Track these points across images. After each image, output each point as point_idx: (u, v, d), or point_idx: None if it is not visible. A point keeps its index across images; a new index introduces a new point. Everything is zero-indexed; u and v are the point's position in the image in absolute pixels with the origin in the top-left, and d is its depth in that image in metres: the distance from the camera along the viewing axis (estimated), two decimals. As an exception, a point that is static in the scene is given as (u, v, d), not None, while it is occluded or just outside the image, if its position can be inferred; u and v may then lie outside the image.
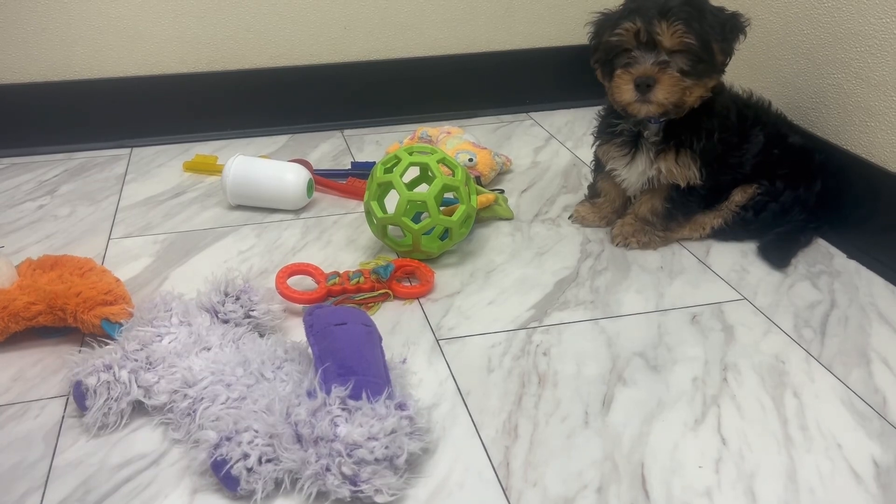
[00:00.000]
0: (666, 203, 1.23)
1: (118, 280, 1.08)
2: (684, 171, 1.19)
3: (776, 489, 0.80)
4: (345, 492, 0.75)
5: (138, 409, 0.89)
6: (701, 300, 1.12)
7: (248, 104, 1.74)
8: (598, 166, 1.32)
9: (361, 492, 0.75)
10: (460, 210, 1.18)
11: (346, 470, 0.75)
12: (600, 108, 1.29)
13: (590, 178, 1.39)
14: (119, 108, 1.68)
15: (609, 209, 1.34)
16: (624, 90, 1.12)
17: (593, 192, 1.37)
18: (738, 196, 1.25)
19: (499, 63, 1.84)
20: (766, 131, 1.24)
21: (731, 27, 1.12)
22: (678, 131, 1.18)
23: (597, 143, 1.29)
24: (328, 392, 0.80)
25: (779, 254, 1.22)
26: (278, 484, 0.78)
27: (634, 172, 1.22)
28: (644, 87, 1.10)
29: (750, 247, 1.26)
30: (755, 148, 1.23)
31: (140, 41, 1.66)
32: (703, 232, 1.27)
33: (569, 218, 1.36)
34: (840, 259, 1.23)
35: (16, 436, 0.88)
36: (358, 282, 1.11)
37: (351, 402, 0.79)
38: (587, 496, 0.79)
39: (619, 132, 1.23)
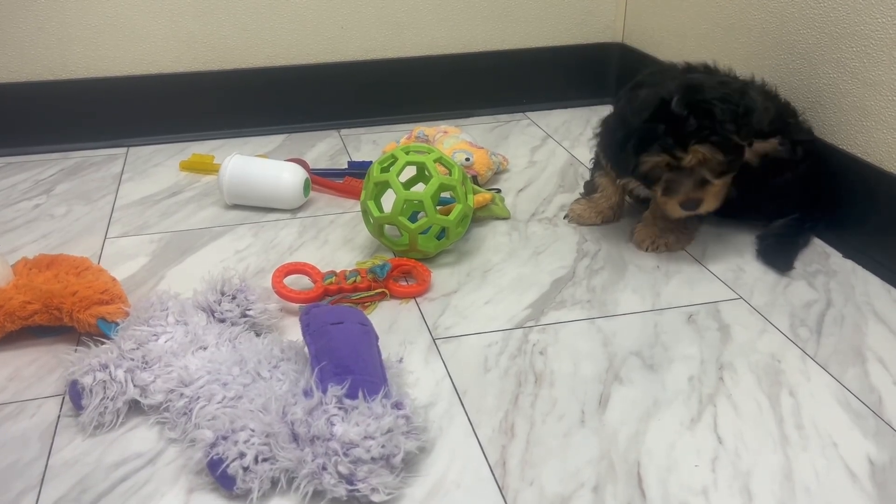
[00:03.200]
0: None
1: (114, 279, 1.07)
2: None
3: (772, 488, 0.80)
4: (341, 491, 0.75)
5: (134, 408, 0.89)
6: (697, 299, 1.13)
7: (245, 103, 1.74)
8: (599, 164, 1.32)
9: (358, 491, 0.75)
10: (457, 209, 1.18)
11: (342, 469, 0.75)
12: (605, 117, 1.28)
13: (587, 177, 1.39)
14: (115, 107, 1.68)
15: (605, 205, 1.33)
16: (674, 211, 1.16)
17: (590, 189, 1.36)
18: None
19: (496, 63, 1.84)
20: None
21: (744, 113, 1.09)
22: None
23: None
24: (324, 391, 0.80)
25: (781, 257, 1.22)
26: (274, 483, 0.78)
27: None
28: (693, 206, 1.14)
29: (746, 246, 1.26)
30: None
31: (136, 40, 1.65)
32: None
33: (564, 217, 1.36)
34: (836, 258, 1.23)
35: (11, 435, 0.87)
36: (355, 281, 1.11)
37: (347, 402, 0.79)
38: (583, 495, 0.79)
39: None
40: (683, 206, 1.14)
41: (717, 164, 1.11)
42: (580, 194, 1.40)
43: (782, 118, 1.24)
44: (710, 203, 1.14)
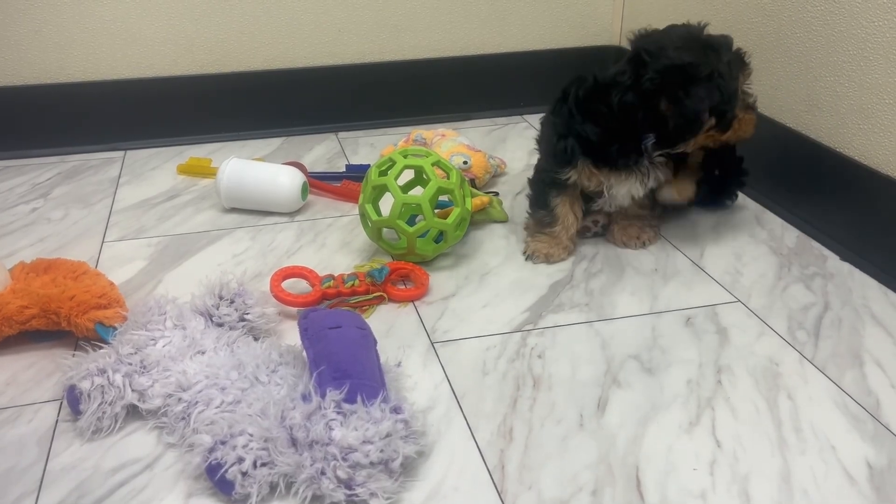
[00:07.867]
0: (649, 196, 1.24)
1: (112, 283, 1.07)
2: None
3: (770, 491, 0.80)
4: (340, 495, 0.75)
5: (132, 413, 0.89)
6: (695, 302, 1.13)
7: (243, 107, 1.74)
8: (556, 183, 1.19)
9: (357, 495, 0.75)
10: (455, 213, 1.18)
11: (341, 474, 0.75)
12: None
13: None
14: (113, 110, 1.68)
15: (566, 237, 1.23)
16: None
17: (543, 216, 1.23)
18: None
19: (493, 65, 1.84)
20: None
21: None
22: None
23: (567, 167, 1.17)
24: (323, 396, 0.80)
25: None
26: (273, 488, 0.78)
27: (625, 188, 1.19)
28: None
29: (744, 249, 1.26)
30: None
31: (134, 44, 1.65)
32: (689, 195, 1.29)
33: (526, 258, 1.24)
34: (833, 261, 1.24)
35: (9, 440, 0.87)
36: (353, 285, 1.11)
37: (346, 406, 0.79)
38: (582, 499, 0.79)
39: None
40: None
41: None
42: (528, 213, 1.29)
43: None
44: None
